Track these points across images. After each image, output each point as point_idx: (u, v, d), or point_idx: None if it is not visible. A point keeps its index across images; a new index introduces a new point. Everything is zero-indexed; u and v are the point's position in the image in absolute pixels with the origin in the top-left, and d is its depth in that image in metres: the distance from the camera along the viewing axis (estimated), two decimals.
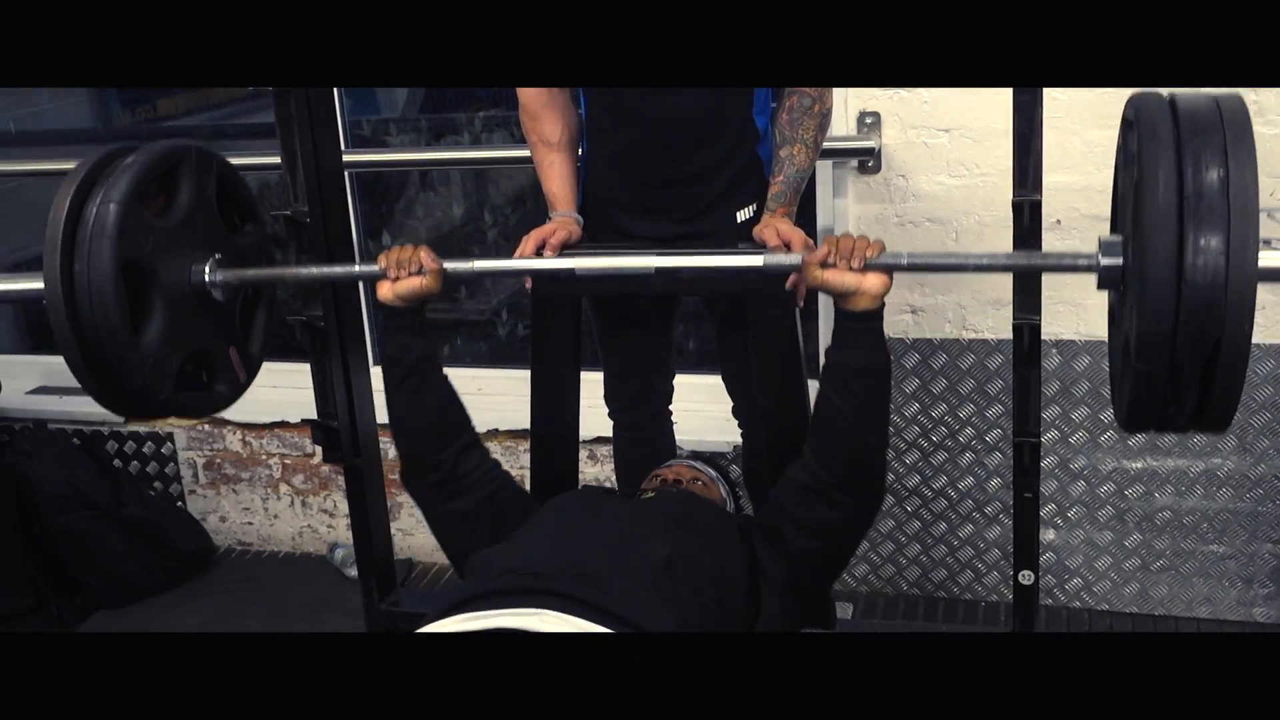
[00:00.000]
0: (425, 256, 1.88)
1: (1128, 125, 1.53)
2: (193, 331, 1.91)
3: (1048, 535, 2.82)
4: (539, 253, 2.07)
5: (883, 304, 1.74)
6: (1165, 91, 1.48)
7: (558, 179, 2.21)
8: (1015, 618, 2.11)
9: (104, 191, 1.74)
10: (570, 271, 1.96)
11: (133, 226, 1.75)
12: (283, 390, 3.30)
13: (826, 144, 2.22)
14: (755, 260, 1.84)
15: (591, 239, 2.20)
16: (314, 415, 2.28)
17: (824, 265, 1.71)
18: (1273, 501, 2.68)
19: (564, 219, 2.15)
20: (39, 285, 1.73)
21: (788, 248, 1.98)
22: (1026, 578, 2.06)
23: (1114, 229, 1.70)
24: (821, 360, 2.92)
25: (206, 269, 1.91)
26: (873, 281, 1.70)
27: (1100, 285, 1.57)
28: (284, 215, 2.14)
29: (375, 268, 1.91)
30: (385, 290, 1.89)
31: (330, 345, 2.20)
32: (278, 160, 2.15)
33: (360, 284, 2.32)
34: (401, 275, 1.88)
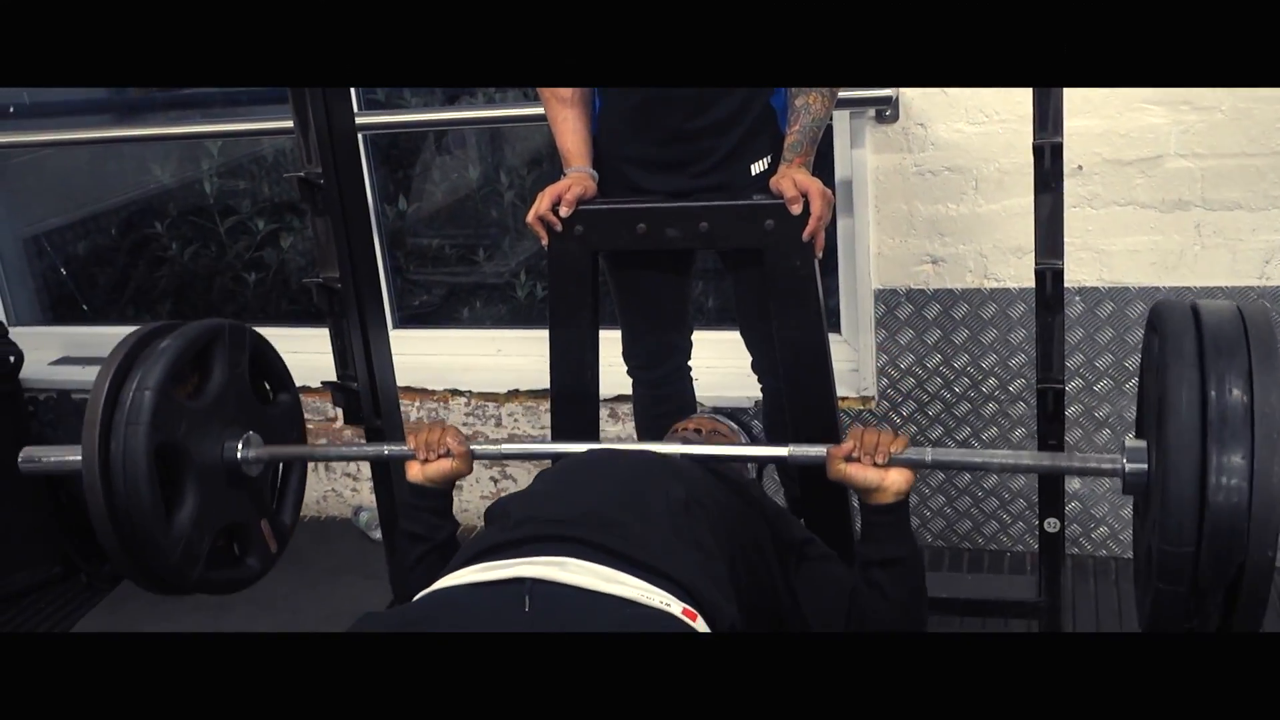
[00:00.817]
0: (452, 441, 1.90)
1: (1151, 329, 1.52)
2: (225, 507, 1.96)
3: (1073, 484, 2.80)
4: (555, 211, 2.06)
5: (906, 498, 1.73)
6: (1189, 302, 1.48)
7: (571, 134, 2.19)
8: (1041, 566, 2.10)
9: (140, 377, 1.80)
10: (607, 452, 1.94)
11: (166, 411, 1.82)
12: (303, 355, 3.31)
13: (843, 93, 2.20)
14: (781, 452, 1.83)
15: (604, 194, 2.18)
16: (334, 378, 2.29)
17: (848, 460, 1.71)
18: None
19: (578, 174, 2.14)
20: (76, 458, 1.80)
21: (804, 198, 1.96)
22: (1052, 525, 2.05)
23: (1139, 433, 1.69)
24: (842, 323, 2.94)
25: (239, 446, 1.96)
26: (895, 478, 1.70)
27: (1125, 491, 1.57)
28: (298, 177, 2.13)
29: (405, 448, 1.93)
30: (415, 472, 1.92)
31: (348, 307, 2.20)
32: (291, 124, 2.14)
33: (375, 241, 2.32)
34: (430, 457, 1.89)
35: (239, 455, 1.96)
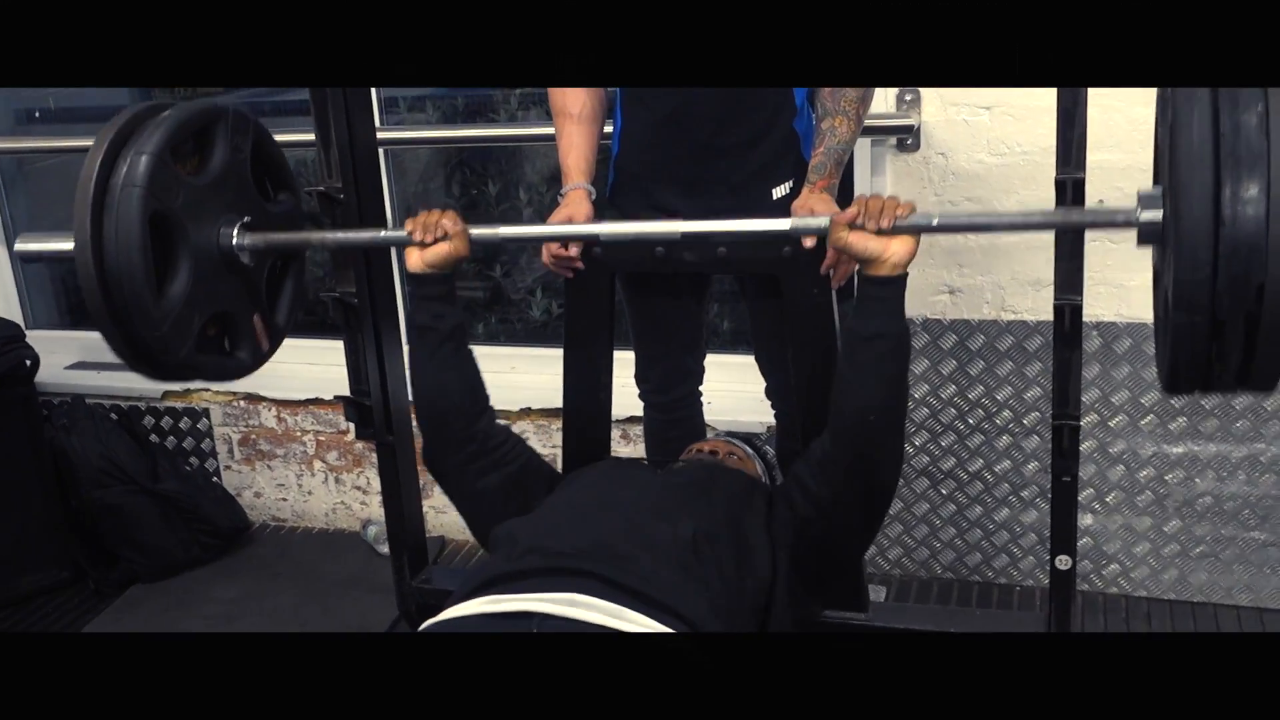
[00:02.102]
0: (449, 222, 1.88)
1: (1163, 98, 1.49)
2: (218, 293, 1.91)
3: (1085, 520, 2.78)
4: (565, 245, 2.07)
5: (906, 273, 1.69)
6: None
7: (573, 151, 2.18)
8: (1051, 603, 2.08)
9: (138, 143, 1.76)
10: (595, 236, 1.95)
11: (163, 180, 1.76)
12: (318, 367, 3.32)
13: (866, 121, 2.19)
14: (783, 225, 1.80)
15: (623, 214, 2.18)
16: (347, 392, 2.28)
17: (852, 227, 1.67)
18: None
19: (575, 192, 2.13)
20: (69, 246, 1.75)
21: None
22: (1064, 562, 2.03)
23: (1156, 179, 1.64)
24: None
25: (235, 231, 1.91)
26: (898, 246, 1.66)
27: (1140, 240, 1.52)
28: (318, 191, 2.14)
29: (402, 233, 1.91)
30: (415, 259, 1.89)
31: (363, 322, 2.20)
32: (313, 137, 2.15)
33: (393, 253, 2.32)
34: (428, 239, 1.87)
35: (234, 241, 1.90)
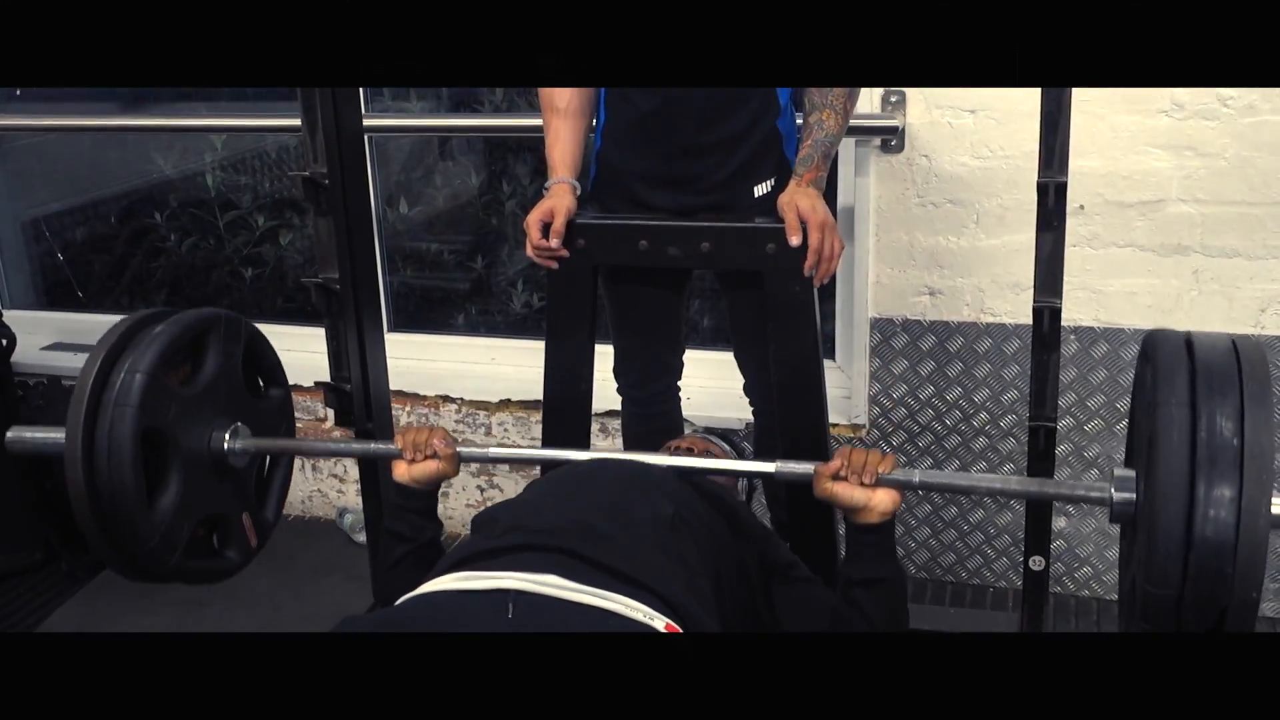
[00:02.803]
0: (439, 442, 1.89)
1: (1145, 359, 1.52)
2: (208, 497, 1.95)
3: (1059, 523, 2.80)
4: (545, 233, 2.07)
5: (894, 519, 1.73)
6: (1183, 334, 1.47)
7: (560, 145, 2.18)
8: (1024, 604, 2.10)
9: (131, 360, 1.80)
10: (596, 463, 1.94)
11: (156, 396, 1.81)
12: (296, 354, 3.30)
13: (850, 122, 2.19)
14: (768, 468, 1.83)
15: (606, 210, 2.18)
16: (327, 378, 2.28)
17: (835, 478, 1.72)
18: None
19: (560, 186, 2.13)
20: (59, 437, 1.79)
21: (803, 225, 1.96)
22: (1037, 564, 2.05)
23: (1129, 462, 1.69)
24: (837, 350, 2.94)
25: (227, 436, 1.95)
26: (882, 498, 1.70)
27: (1112, 520, 1.57)
28: (303, 176, 2.13)
29: (392, 447, 1.92)
30: (401, 472, 1.91)
31: (345, 308, 2.20)
32: (297, 122, 2.15)
33: (376, 241, 2.31)
34: (418, 458, 1.89)
35: (226, 445, 1.94)
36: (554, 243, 2.05)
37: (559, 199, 2.11)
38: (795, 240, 1.95)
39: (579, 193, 2.14)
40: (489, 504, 2.60)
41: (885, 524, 1.72)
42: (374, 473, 2.34)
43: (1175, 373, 1.40)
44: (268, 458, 2.13)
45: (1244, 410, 1.34)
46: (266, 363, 2.12)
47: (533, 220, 2.08)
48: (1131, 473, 1.54)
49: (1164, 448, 1.36)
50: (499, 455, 2.06)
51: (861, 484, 1.70)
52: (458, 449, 1.91)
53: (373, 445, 2.09)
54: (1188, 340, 1.46)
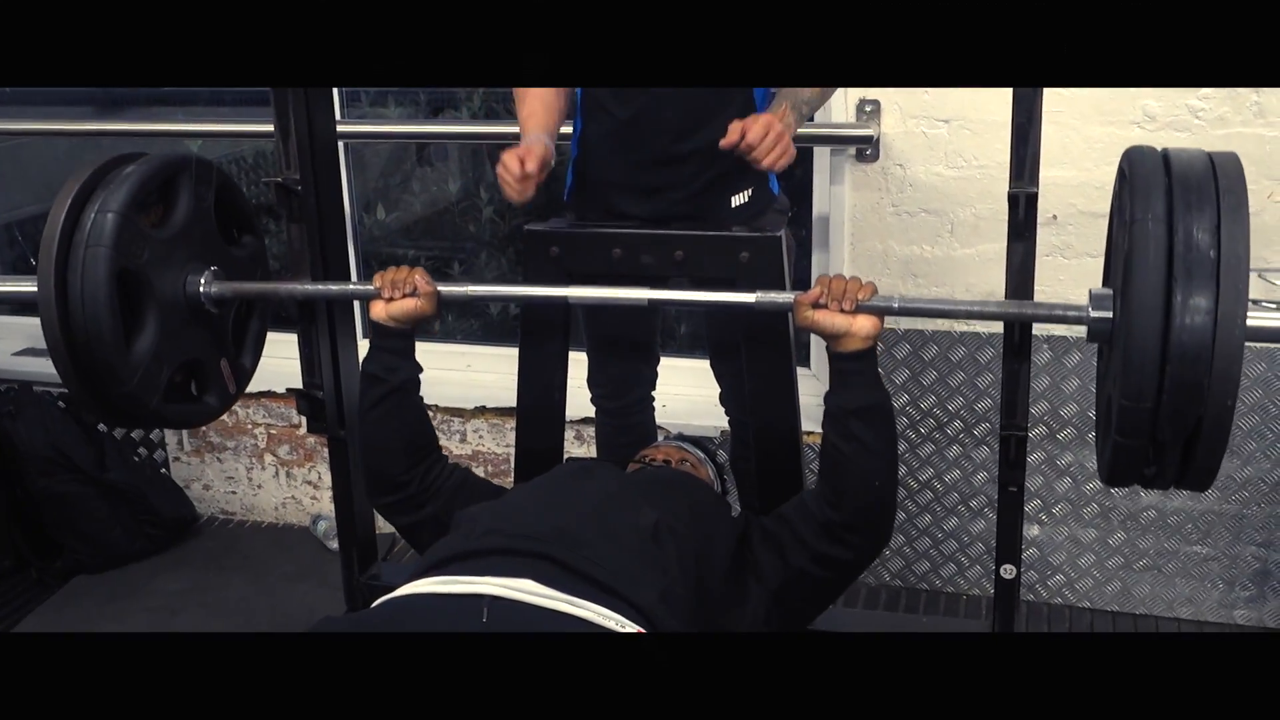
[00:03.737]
0: (420, 279, 1.88)
1: (1122, 177, 1.52)
2: (185, 342, 1.93)
3: (1032, 531, 2.81)
4: (529, 181, 1.97)
5: (875, 344, 1.74)
6: (1159, 148, 1.47)
7: (532, 110, 2.09)
8: (996, 612, 2.10)
9: (102, 200, 1.77)
10: (564, 299, 1.95)
11: (129, 236, 1.78)
12: (270, 360, 3.28)
13: (825, 130, 2.20)
14: (748, 298, 1.84)
15: (582, 219, 2.18)
16: (300, 385, 2.27)
17: (816, 306, 1.73)
18: (1258, 504, 2.68)
19: (534, 140, 2.01)
20: (32, 288, 1.76)
21: (750, 149, 1.91)
22: (1008, 572, 2.05)
23: (1106, 280, 1.69)
24: (811, 358, 2.95)
25: (202, 280, 1.93)
26: (863, 323, 1.72)
27: (1090, 338, 1.57)
28: (275, 182, 2.12)
29: (370, 287, 1.91)
30: (379, 310, 1.91)
31: (318, 315, 2.19)
32: (272, 128, 2.13)
33: (349, 240, 2.31)
34: (396, 296, 1.88)
35: (201, 290, 1.92)
36: (530, 167, 1.93)
37: (535, 145, 1.99)
38: (726, 141, 1.90)
39: (552, 149, 2.04)
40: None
41: (869, 350, 1.74)
42: (347, 482, 2.33)
43: (1152, 188, 1.38)
44: (244, 305, 2.10)
45: (1220, 223, 1.33)
46: (240, 210, 2.08)
47: (508, 157, 1.96)
48: (1109, 291, 1.53)
49: (1139, 262, 1.34)
50: (480, 294, 2.03)
51: (842, 310, 1.71)
52: (438, 288, 1.90)
53: (352, 286, 2.05)
54: (1164, 155, 1.44)
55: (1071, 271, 2.60)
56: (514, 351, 2.20)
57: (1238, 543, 2.72)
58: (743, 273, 2.00)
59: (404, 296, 1.89)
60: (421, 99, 3.49)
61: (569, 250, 2.08)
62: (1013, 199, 1.86)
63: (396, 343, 1.92)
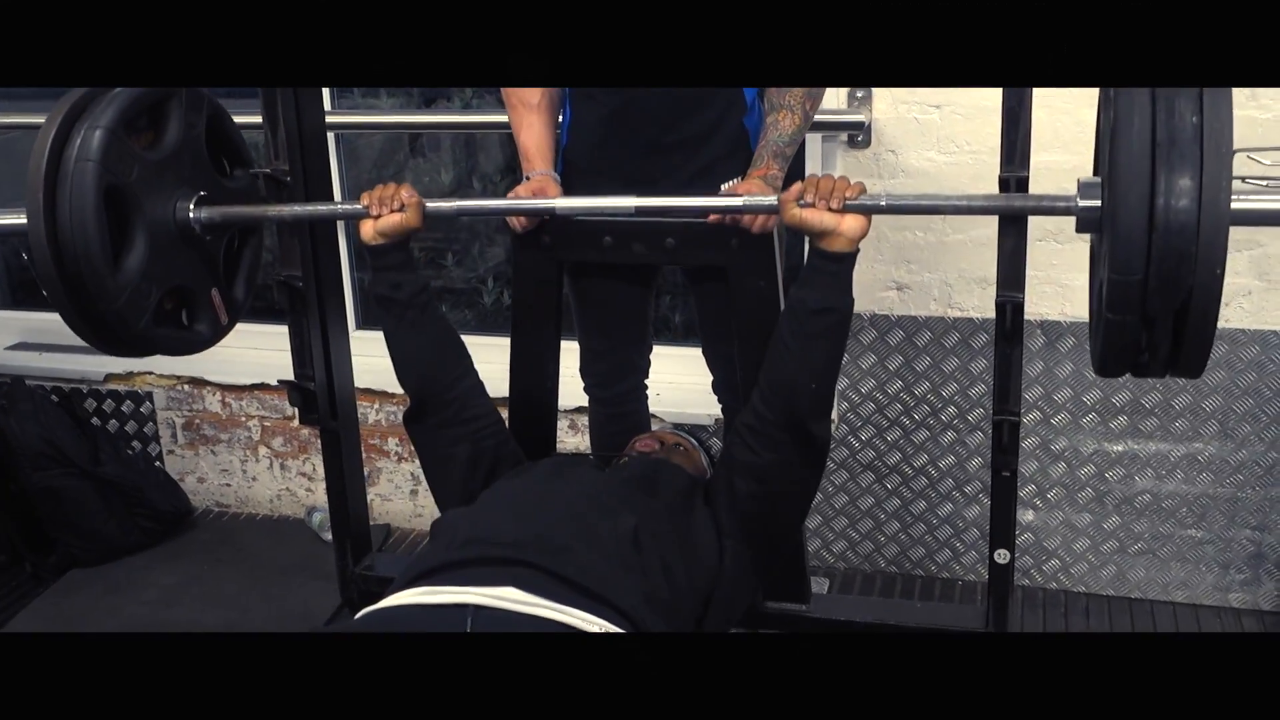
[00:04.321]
0: (405, 193, 1.89)
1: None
2: (175, 267, 1.91)
3: (1026, 516, 2.82)
4: (536, 221, 2.04)
5: (857, 249, 1.73)
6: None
7: (535, 138, 2.17)
8: (990, 597, 2.11)
9: (91, 118, 1.75)
10: (552, 210, 1.95)
11: (118, 153, 1.76)
12: (264, 352, 3.29)
13: (817, 117, 2.19)
14: (736, 201, 1.84)
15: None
16: (292, 377, 2.27)
17: (802, 204, 1.71)
18: (1252, 487, 2.68)
19: (544, 178, 2.12)
20: (22, 220, 1.74)
21: (736, 221, 1.96)
22: (1002, 557, 2.06)
23: (1096, 170, 1.68)
24: None
25: (191, 205, 1.91)
26: (851, 222, 1.70)
27: (1079, 228, 1.57)
28: (264, 173, 2.11)
29: (357, 206, 1.91)
30: (368, 229, 1.90)
31: (308, 306, 2.19)
32: (260, 119, 2.13)
33: (341, 238, 2.30)
34: (383, 212, 1.88)
35: (190, 215, 1.91)
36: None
37: (550, 186, 2.10)
38: (713, 216, 1.96)
39: (560, 184, 2.14)
40: None
41: (851, 254, 1.73)
42: (340, 474, 2.32)
43: (1135, 91, 1.38)
44: (236, 236, 2.09)
45: (1203, 100, 1.33)
46: (231, 141, 2.08)
47: (523, 194, 2.07)
48: (1097, 179, 1.52)
49: (1123, 140, 1.34)
50: (469, 208, 2.03)
51: (830, 209, 1.70)
52: (425, 201, 1.91)
53: (340, 206, 2.04)
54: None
55: (1065, 256, 2.59)
56: (506, 341, 2.20)
57: (1232, 526, 2.72)
58: (734, 260, 2.00)
59: (390, 212, 1.88)
60: (414, 90, 3.48)
61: (560, 239, 2.07)
62: (1004, 183, 1.86)
63: (394, 257, 1.93)
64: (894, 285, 2.73)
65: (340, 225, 2.61)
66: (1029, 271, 1.93)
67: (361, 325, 3.37)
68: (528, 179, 2.13)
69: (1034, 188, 1.89)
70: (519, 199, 2.06)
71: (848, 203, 1.69)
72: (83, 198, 1.72)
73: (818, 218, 1.70)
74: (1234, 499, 2.70)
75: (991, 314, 2.00)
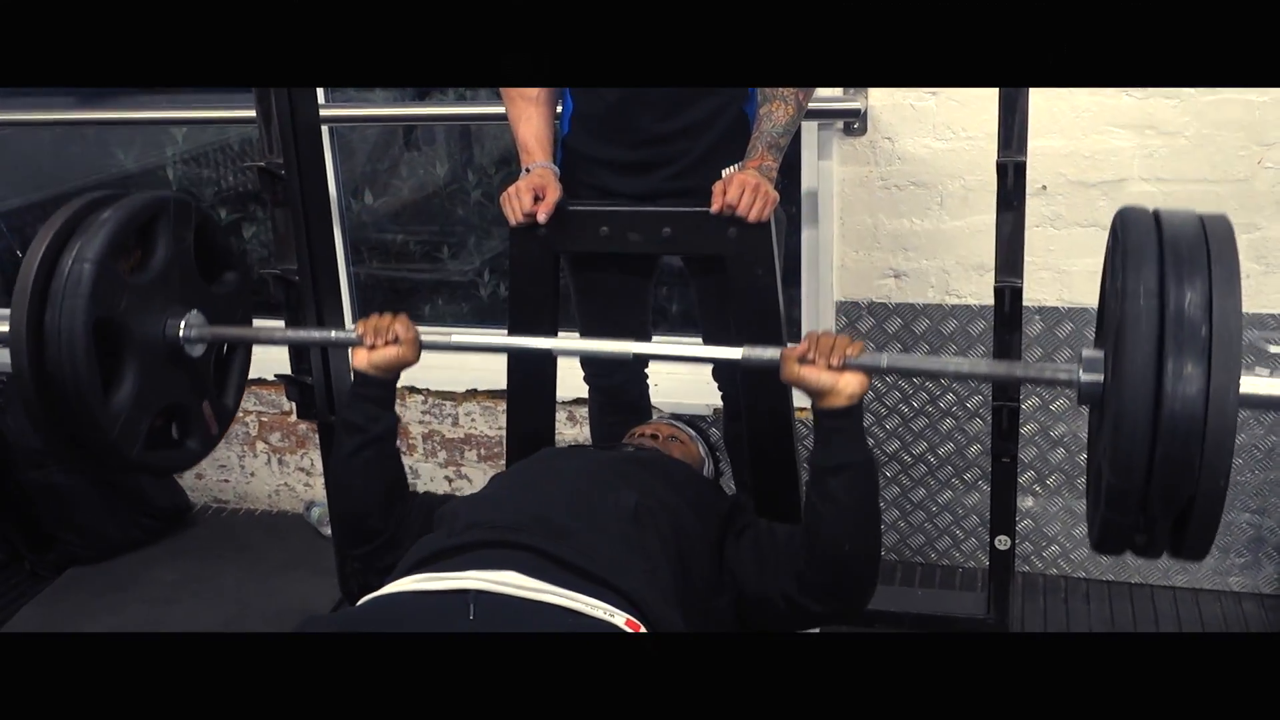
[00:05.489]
0: (401, 327, 1.86)
1: (1114, 238, 1.51)
2: (165, 387, 1.90)
3: (1026, 502, 2.81)
4: (532, 218, 2.02)
5: (860, 403, 1.71)
6: (1151, 211, 1.46)
7: (535, 131, 2.16)
8: (990, 583, 2.11)
9: (79, 248, 1.73)
10: (550, 350, 1.92)
11: (106, 285, 1.75)
12: (260, 347, 3.27)
13: (812, 104, 2.19)
14: (734, 354, 1.82)
15: (570, 195, 2.17)
16: (289, 372, 2.26)
17: (803, 361, 1.69)
18: (1251, 471, 2.68)
19: (545, 170, 2.10)
20: (4, 329, 1.72)
21: (733, 209, 1.94)
22: (1002, 543, 2.06)
23: (1098, 341, 1.68)
24: (803, 333, 2.94)
25: (182, 325, 1.90)
26: (849, 381, 1.68)
27: (1080, 401, 1.56)
28: (258, 167, 2.11)
29: (353, 334, 1.89)
30: (361, 358, 1.88)
31: (305, 300, 2.18)
32: (254, 114, 2.12)
33: (335, 228, 2.29)
34: (378, 344, 1.86)
35: (181, 334, 1.89)
36: (541, 218, 2.01)
37: (551, 181, 2.07)
38: (714, 207, 1.94)
39: (559, 177, 2.12)
40: (457, 494, 2.58)
41: (853, 408, 1.70)
42: None
43: (1144, 259, 1.36)
44: (224, 347, 2.08)
45: (1212, 295, 1.31)
46: (220, 247, 2.06)
47: (524, 187, 2.03)
48: (1100, 353, 1.51)
49: (1131, 329, 1.32)
50: (461, 342, 2.02)
51: (829, 367, 1.68)
52: (420, 335, 1.88)
53: (334, 334, 2.04)
54: (1156, 219, 1.42)
55: (1062, 242, 2.59)
56: (505, 334, 2.19)
57: (1231, 510, 2.72)
58: (731, 249, 1.99)
59: (386, 344, 1.86)
60: None
61: (556, 229, 2.06)
62: (1001, 168, 1.86)
63: (378, 391, 1.89)
64: (892, 273, 2.73)
65: (335, 215, 2.60)
66: (1026, 257, 1.93)
67: (358, 320, 3.36)
68: (527, 171, 2.12)
69: (1032, 174, 1.89)
70: (513, 337, 2.06)
71: (848, 361, 1.68)
72: (72, 334, 1.70)
73: (816, 376, 1.68)
74: (1233, 483, 2.69)
75: (990, 301, 2.00)
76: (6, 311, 1.73)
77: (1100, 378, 1.49)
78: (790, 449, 2.07)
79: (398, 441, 1.93)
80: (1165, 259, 1.36)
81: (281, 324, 2.25)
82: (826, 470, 1.70)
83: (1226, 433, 1.29)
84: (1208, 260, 1.34)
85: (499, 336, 2.07)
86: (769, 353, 1.76)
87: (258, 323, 2.25)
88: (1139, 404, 1.30)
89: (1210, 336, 1.29)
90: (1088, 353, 1.53)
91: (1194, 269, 1.33)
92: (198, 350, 1.94)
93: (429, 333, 1.90)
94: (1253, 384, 1.38)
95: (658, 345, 1.85)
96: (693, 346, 1.91)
